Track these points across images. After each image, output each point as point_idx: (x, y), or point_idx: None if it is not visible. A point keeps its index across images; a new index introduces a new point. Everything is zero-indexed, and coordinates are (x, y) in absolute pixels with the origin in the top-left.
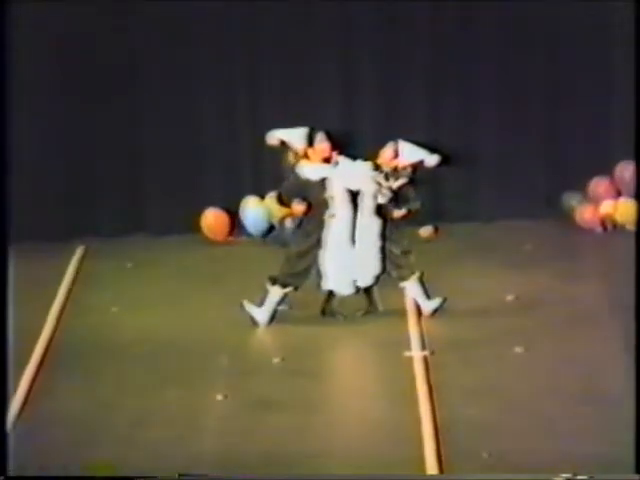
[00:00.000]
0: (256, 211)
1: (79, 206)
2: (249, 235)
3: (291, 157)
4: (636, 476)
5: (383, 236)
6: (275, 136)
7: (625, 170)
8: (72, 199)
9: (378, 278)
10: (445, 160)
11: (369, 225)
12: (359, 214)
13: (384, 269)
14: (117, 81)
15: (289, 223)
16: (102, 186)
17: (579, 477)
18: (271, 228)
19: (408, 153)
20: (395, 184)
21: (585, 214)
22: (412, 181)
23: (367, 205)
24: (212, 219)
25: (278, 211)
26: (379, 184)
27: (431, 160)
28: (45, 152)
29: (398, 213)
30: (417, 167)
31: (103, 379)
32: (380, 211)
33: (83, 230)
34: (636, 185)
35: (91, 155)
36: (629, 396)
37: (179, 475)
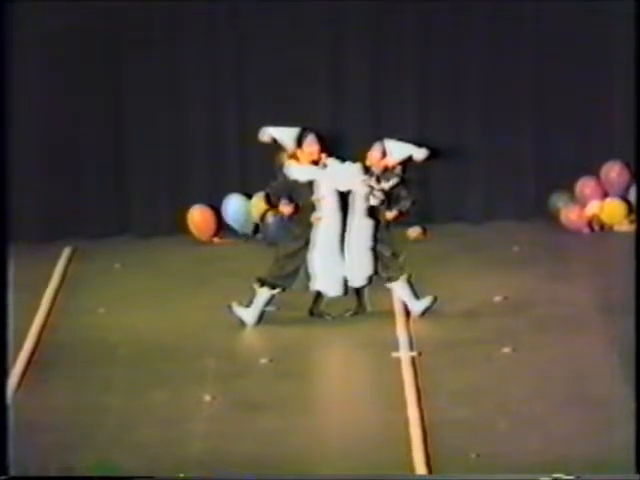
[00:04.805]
0: (237, 205)
1: (66, 207)
2: (232, 230)
3: (284, 157)
4: (636, 476)
5: (374, 237)
6: (267, 133)
7: (611, 170)
8: (58, 200)
9: (370, 279)
10: (434, 161)
11: (361, 226)
12: (350, 215)
13: (376, 270)
14: (102, 81)
15: (271, 219)
16: (89, 186)
17: (567, 477)
18: (257, 228)
19: (396, 151)
20: (387, 185)
21: (571, 215)
22: (403, 180)
23: (359, 207)
24: (199, 216)
25: (260, 208)
26: (371, 187)
27: (419, 154)
28: (30, 153)
29: (390, 215)
30: (406, 165)
31: (91, 380)
32: (372, 213)
33: (70, 231)
34: (637, 186)
35: (77, 155)
36: (617, 396)
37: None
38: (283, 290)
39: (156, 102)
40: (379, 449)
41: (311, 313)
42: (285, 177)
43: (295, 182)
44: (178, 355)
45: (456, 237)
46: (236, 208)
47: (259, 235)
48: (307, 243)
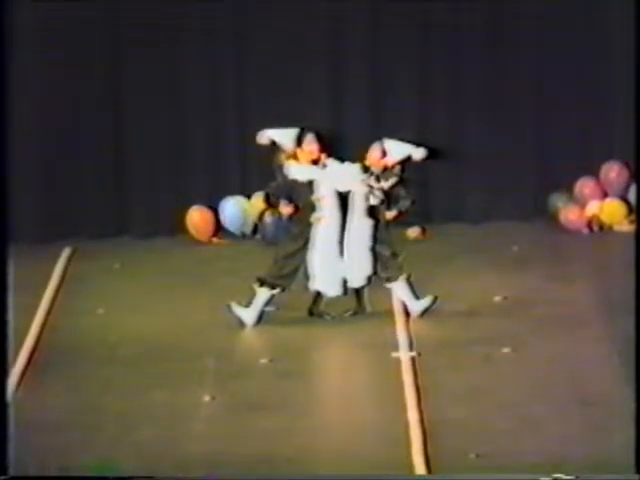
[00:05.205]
0: (234, 209)
1: (66, 207)
2: (229, 232)
3: (282, 157)
4: (636, 476)
5: (374, 237)
6: (266, 135)
7: (611, 171)
8: (58, 200)
9: (370, 279)
10: (433, 161)
11: (360, 226)
12: (350, 216)
13: (375, 270)
14: (102, 81)
15: (268, 218)
16: (89, 186)
17: (567, 477)
18: (256, 228)
19: (395, 151)
20: (386, 185)
21: (571, 215)
22: (402, 180)
23: (358, 207)
24: (198, 216)
25: (256, 208)
26: (370, 187)
27: (418, 153)
28: (30, 154)
29: (390, 214)
30: (406, 164)
31: (90, 381)
32: (372, 212)
33: (70, 231)
34: (637, 186)
35: (77, 155)
36: (617, 396)
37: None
38: (283, 290)
39: (156, 102)
40: (379, 449)
41: (311, 313)
42: (285, 177)
43: (295, 182)
44: (178, 355)
45: (456, 237)
46: (233, 211)
47: (258, 235)
48: (306, 243)
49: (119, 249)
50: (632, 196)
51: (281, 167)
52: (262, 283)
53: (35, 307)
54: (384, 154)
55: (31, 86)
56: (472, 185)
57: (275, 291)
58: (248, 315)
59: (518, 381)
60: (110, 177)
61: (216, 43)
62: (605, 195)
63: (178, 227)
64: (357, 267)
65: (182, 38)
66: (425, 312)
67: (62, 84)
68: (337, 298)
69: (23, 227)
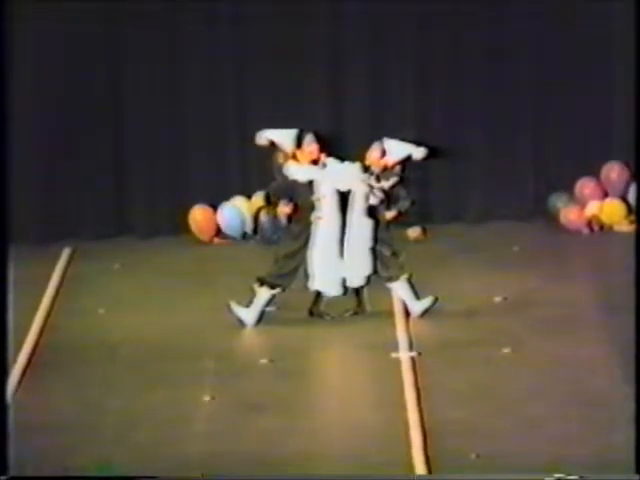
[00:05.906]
0: (231, 214)
1: (66, 207)
2: (227, 237)
3: (281, 157)
4: (636, 476)
5: (374, 237)
6: (264, 136)
7: (611, 171)
8: (58, 200)
9: (369, 279)
10: (433, 160)
11: (360, 226)
12: (350, 215)
13: (375, 270)
14: (102, 81)
15: (264, 218)
16: (89, 186)
17: (568, 477)
18: (255, 229)
19: (395, 150)
20: (386, 185)
21: (571, 215)
22: (402, 180)
23: (358, 206)
24: (200, 215)
25: (255, 207)
26: (370, 186)
27: (418, 153)
28: (30, 154)
29: (390, 214)
30: (406, 164)
31: (90, 381)
32: (371, 212)
33: (70, 232)
34: (637, 186)
35: (77, 155)
36: (617, 396)
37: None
38: (283, 290)
39: (156, 102)
40: (379, 449)
41: (311, 313)
42: (284, 177)
43: (295, 182)
44: (178, 355)
45: (456, 237)
46: (230, 216)
47: (258, 235)
48: (306, 243)
49: (119, 249)
50: (632, 196)
51: (281, 167)
52: (262, 283)
53: (36, 307)
54: (384, 154)
55: (31, 86)
56: (472, 185)
57: (275, 291)
58: (248, 315)
59: (518, 381)
60: (110, 177)
61: (216, 43)
62: (605, 195)
63: (178, 227)
64: (357, 267)
65: (182, 38)
66: (425, 312)
67: (62, 84)
68: (337, 298)
69: (23, 227)
